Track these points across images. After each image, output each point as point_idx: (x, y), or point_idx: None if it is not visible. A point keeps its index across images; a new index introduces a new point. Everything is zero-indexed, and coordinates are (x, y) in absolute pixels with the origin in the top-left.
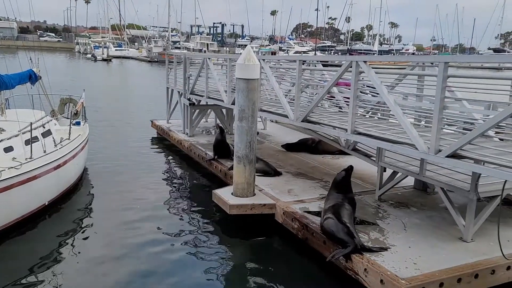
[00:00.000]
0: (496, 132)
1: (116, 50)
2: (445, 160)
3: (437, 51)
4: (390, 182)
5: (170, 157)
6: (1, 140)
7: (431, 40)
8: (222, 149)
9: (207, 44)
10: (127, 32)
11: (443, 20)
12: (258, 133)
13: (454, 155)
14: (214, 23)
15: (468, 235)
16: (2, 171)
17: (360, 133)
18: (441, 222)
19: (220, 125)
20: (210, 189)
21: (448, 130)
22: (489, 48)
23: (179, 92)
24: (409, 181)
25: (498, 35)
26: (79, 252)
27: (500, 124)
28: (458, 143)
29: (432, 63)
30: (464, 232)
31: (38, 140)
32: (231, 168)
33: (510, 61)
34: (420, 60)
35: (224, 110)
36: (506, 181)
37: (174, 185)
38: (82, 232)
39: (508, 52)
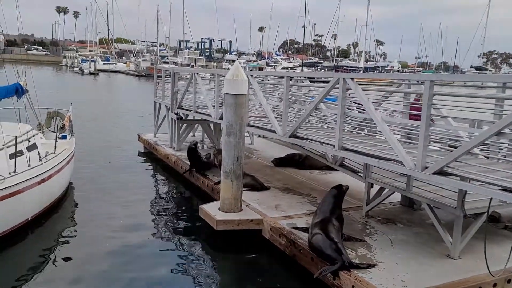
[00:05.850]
0: (481, 150)
1: (103, 64)
2: (431, 177)
3: (421, 69)
4: (377, 198)
5: (157, 172)
6: None
7: (416, 58)
8: (193, 158)
9: (195, 59)
10: (115, 46)
11: (427, 39)
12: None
13: (440, 172)
14: (202, 38)
15: (455, 252)
16: None
17: (347, 149)
18: (428, 238)
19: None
20: (197, 204)
21: (434, 147)
22: (471, 67)
23: (166, 106)
24: (396, 197)
25: (480, 54)
26: (62, 270)
27: (485, 142)
28: (445, 160)
29: (418, 81)
30: (451, 249)
31: (23, 154)
32: (218, 182)
33: (493, 81)
34: (406, 78)
35: (211, 125)
36: (491, 198)
37: (160, 199)
38: (65, 249)
39: (490, 71)
